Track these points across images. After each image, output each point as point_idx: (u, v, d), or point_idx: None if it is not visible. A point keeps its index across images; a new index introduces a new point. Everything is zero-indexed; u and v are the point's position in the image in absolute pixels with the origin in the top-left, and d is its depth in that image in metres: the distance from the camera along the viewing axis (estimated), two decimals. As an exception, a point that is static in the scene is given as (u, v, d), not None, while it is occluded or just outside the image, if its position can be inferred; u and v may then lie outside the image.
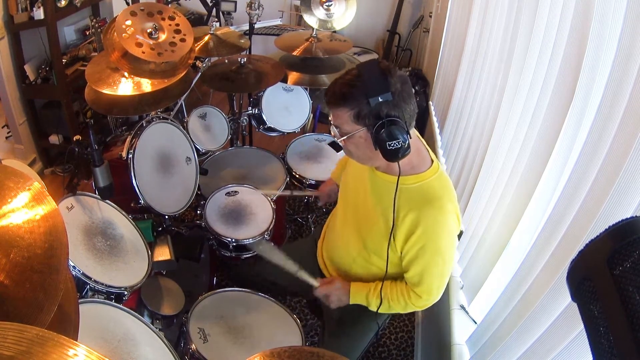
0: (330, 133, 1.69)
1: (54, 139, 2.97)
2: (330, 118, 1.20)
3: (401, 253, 1.27)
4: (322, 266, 1.57)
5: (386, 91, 1.08)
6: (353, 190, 1.39)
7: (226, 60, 2.26)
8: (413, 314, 2.24)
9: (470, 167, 1.81)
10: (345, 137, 1.17)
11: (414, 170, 1.22)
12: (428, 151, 1.28)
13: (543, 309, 0.95)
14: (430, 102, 3.15)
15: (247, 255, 1.82)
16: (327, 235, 1.58)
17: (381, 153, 1.12)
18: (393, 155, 1.12)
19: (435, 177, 1.22)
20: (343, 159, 1.73)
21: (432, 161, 1.25)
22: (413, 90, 1.15)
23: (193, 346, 1.34)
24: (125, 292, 1.34)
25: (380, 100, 1.08)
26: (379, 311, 1.34)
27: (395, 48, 4.36)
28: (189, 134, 1.99)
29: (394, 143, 1.09)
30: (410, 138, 1.12)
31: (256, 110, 2.42)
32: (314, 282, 1.44)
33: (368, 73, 1.11)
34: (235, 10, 3.59)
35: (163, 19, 1.74)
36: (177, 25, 1.76)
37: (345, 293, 1.38)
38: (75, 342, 0.51)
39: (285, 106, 2.51)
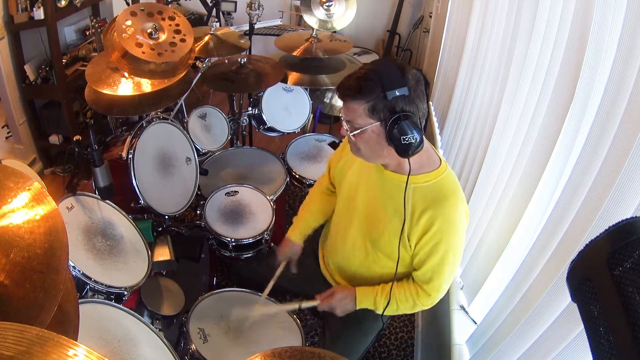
0: (329, 133, 1.70)
1: (54, 139, 2.97)
2: (341, 113, 1.19)
3: (413, 251, 1.27)
4: (324, 271, 1.57)
5: (403, 85, 1.07)
6: (359, 192, 1.37)
7: (226, 61, 2.26)
8: (413, 314, 2.24)
9: (470, 167, 1.81)
10: (357, 131, 1.15)
11: (424, 169, 1.22)
12: (434, 150, 1.28)
13: (543, 309, 0.95)
14: (430, 102, 3.14)
15: (247, 255, 1.82)
16: (330, 239, 1.56)
17: (395, 148, 1.11)
18: (406, 151, 1.11)
19: (445, 174, 1.22)
20: (309, 207, 1.62)
21: (440, 160, 1.25)
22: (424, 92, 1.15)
23: (193, 346, 1.34)
24: (125, 292, 1.34)
25: (397, 94, 1.07)
26: (386, 313, 1.34)
27: (396, 48, 4.36)
28: (189, 134, 1.99)
29: (409, 138, 1.08)
30: (425, 134, 1.12)
31: (256, 110, 2.42)
32: (315, 302, 1.42)
33: (384, 67, 1.10)
34: (235, 11, 3.58)
35: (163, 19, 1.74)
36: (177, 25, 1.76)
37: (350, 301, 1.37)
38: (75, 342, 0.51)
39: (285, 106, 2.51)
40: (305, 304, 1.46)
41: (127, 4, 3.02)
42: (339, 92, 1.16)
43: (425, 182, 1.21)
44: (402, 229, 1.22)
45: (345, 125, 1.18)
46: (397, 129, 1.08)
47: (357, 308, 1.37)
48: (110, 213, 1.53)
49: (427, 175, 1.21)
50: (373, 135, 1.14)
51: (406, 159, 1.15)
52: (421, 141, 1.11)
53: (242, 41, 2.24)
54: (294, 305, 1.47)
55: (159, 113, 1.85)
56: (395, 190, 1.23)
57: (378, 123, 1.11)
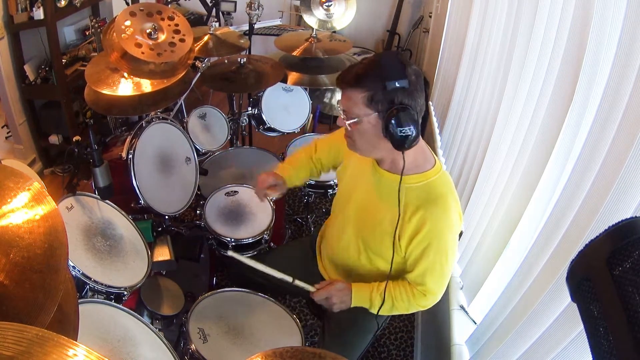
0: (329, 133, 1.70)
1: (53, 139, 2.97)
2: (338, 102, 1.19)
3: (405, 253, 1.26)
4: (322, 269, 1.57)
5: (403, 78, 1.07)
6: (354, 190, 1.37)
7: (226, 61, 2.26)
8: (413, 313, 2.24)
9: (470, 167, 1.80)
10: (353, 120, 1.14)
11: (418, 169, 1.22)
12: (430, 151, 1.28)
13: (543, 309, 0.95)
14: (430, 102, 3.15)
15: (247, 255, 1.82)
16: (326, 237, 1.57)
17: (390, 140, 1.11)
18: (403, 144, 1.10)
19: (439, 175, 1.22)
20: (306, 153, 1.62)
21: (435, 160, 1.25)
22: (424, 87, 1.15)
23: (193, 346, 1.34)
24: (125, 292, 1.34)
25: (397, 85, 1.07)
26: (381, 312, 1.33)
27: (395, 48, 4.35)
28: (188, 134, 1.99)
29: (406, 130, 1.08)
30: (423, 134, 1.12)
31: (256, 110, 2.42)
32: (310, 287, 1.40)
33: (386, 59, 1.11)
34: (235, 11, 3.59)
35: (162, 19, 1.74)
36: (177, 25, 1.76)
37: (348, 294, 1.36)
38: (74, 342, 0.51)
39: (285, 106, 2.51)
40: (301, 283, 1.40)
41: (127, 4, 3.01)
42: (339, 80, 1.16)
43: (417, 182, 1.21)
44: (397, 227, 1.22)
45: (341, 115, 1.18)
46: (395, 121, 1.08)
47: (353, 305, 1.36)
48: (110, 213, 1.53)
49: (420, 175, 1.21)
50: (369, 127, 1.14)
51: (401, 155, 1.15)
52: (417, 135, 1.11)
53: (242, 41, 2.24)
54: (288, 278, 1.41)
55: (158, 113, 1.85)
56: (389, 190, 1.23)
57: (375, 114, 1.11)
